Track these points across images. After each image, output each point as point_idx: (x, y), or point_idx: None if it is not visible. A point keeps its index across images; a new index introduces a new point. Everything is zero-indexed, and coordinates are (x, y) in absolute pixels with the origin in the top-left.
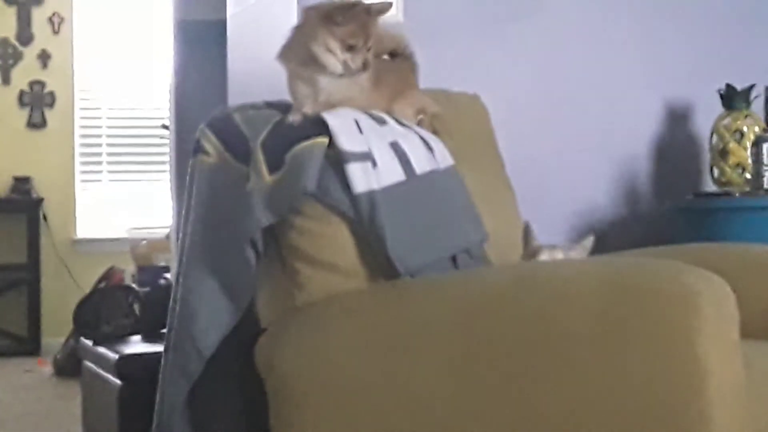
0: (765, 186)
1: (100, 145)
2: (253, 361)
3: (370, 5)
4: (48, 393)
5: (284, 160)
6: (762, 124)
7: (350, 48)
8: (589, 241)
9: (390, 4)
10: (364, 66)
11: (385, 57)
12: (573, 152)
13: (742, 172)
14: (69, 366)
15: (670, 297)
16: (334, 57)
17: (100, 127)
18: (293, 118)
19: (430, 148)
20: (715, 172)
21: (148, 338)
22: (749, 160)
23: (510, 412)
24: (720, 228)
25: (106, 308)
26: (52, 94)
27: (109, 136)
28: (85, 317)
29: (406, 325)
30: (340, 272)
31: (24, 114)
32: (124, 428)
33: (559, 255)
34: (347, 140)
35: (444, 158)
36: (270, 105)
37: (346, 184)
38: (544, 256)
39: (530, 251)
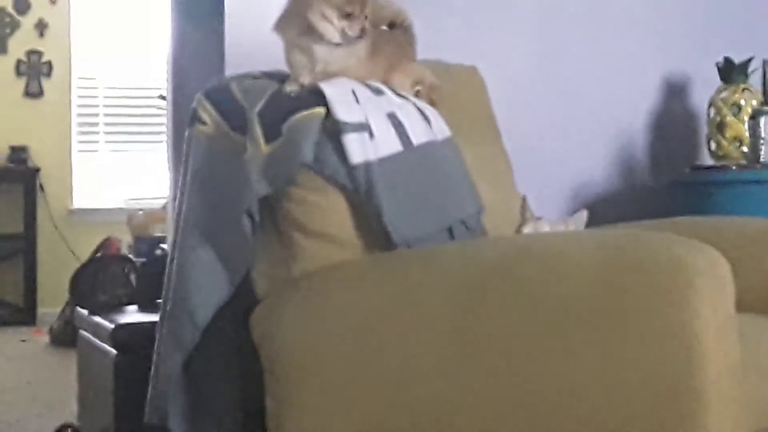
0: (762, 159)
1: (97, 115)
2: (249, 332)
3: None
4: (44, 362)
5: (281, 130)
6: (759, 98)
7: (347, 15)
8: (584, 215)
9: None
10: (362, 33)
11: (384, 28)
12: (570, 125)
13: (740, 146)
14: (65, 335)
15: (666, 269)
16: (330, 25)
17: (97, 97)
18: (290, 88)
19: (427, 120)
20: (713, 145)
21: (143, 308)
22: (746, 134)
23: (506, 384)
24: (717, 201)
25: (103, 278)
26: (49, 63)
27: (106, 106)
28: (82, 287)
29: (403, 297)
30: (336, 243)
31: (21, 83)
32: (120, 397)
33: (545, 227)
34: (344, 111)
35: (441, 130)
36: (267, 75)
37: (342, 155)
38: (527, 228)
39: (519, 223)
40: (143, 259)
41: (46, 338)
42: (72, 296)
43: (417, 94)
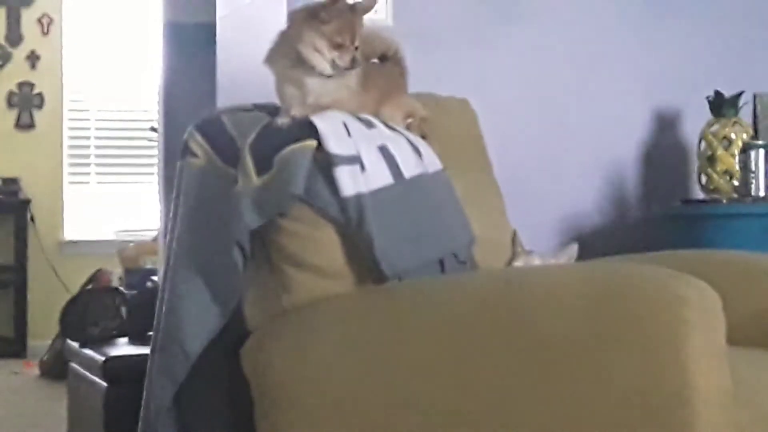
0: (752, 193)
1: (88, 146)
2: (240, 364)
3: (354, 3)
4: (34, 395)
5: (272, 162)
6: (750, 131)
7: (337, 46)
8: (574, 248)
9: (374, 2)
10: (352, 64)
11: (375, 61)
12: (561, 158)
13: (730, 179)
14: (55, 368)
15: (657, 303)
16: (321, 56)
17: (88, 128)
18: (281, 120)
19: (418, 152)
20: (703, 178)
21: (134, 340)
22: (737, 167)
23: (496, 416)
24: (707, 235)
25: (93, 310)
26: (40, 95)
27: (97, 138)
28: (72, 319)
29: (393, 329)
30: (327, 275)
31: (12, 115)
32: (110, 430)
33: (536, 261)
34: (336, 143)
35: (432, 162)
36: (258, 107)
37: (334, 188)
38: (518, 262)
39: (510, 257)
40: (134, 291)
41: (36, 371)
42: (62, 328)
43: (408, 127)
